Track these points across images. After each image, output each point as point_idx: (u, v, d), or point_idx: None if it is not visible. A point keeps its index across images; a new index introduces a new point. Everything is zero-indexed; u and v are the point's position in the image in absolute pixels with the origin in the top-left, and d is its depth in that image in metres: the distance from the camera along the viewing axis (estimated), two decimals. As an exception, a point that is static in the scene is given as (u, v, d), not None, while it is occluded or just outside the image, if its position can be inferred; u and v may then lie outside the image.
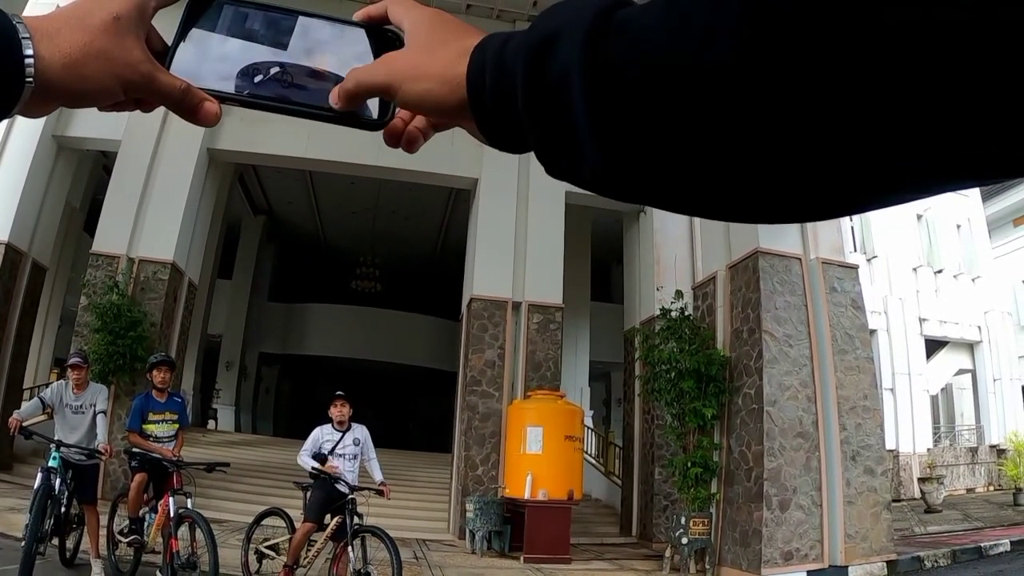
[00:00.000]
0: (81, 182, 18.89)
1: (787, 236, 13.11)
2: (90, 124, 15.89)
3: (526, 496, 13.09)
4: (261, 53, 0.77)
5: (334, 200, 25.47)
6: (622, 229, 18.90)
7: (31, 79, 0.66)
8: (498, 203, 16.37)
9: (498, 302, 15.86)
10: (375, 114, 0.78)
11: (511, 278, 15.87)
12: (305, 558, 8.32)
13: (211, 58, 0.77)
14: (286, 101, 0.75)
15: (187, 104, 0.75)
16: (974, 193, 31.51)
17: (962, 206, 30.76)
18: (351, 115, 0.76)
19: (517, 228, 16.25)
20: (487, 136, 0.69)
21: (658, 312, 14.13)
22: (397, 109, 0.78)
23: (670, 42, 0.53)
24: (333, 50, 0.77)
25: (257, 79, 0.75)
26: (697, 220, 15.74)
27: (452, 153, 16.64)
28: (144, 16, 0.76)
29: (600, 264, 23.98)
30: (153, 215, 15.49)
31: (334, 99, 0.74)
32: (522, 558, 12.80)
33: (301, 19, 0.79)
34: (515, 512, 13.48)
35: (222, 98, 0.75)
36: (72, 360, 8.57)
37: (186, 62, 0.76)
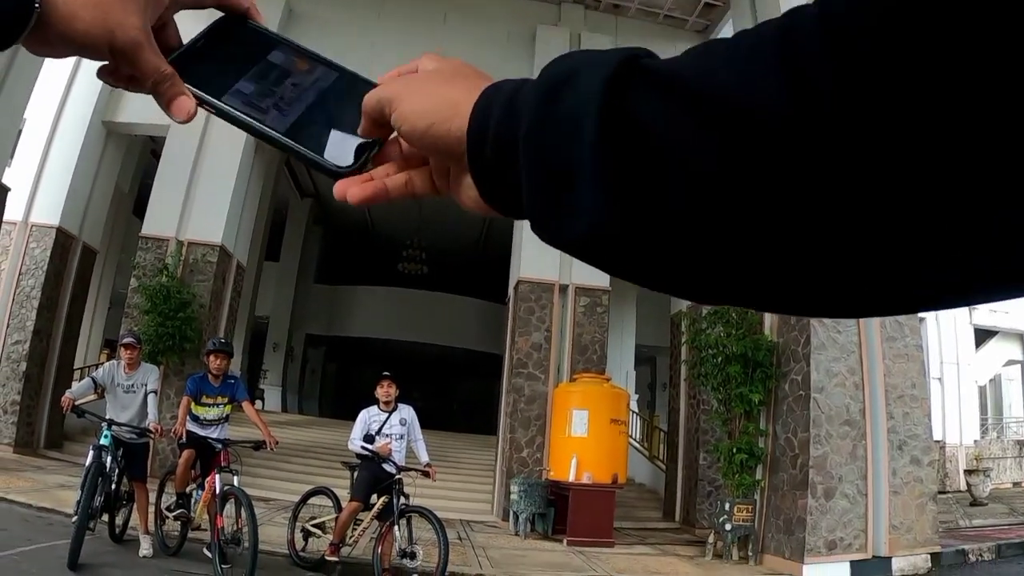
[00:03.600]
0: (130, 167, 19.25)
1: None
2: (138, 110, 16.07)
3: (570, 479, 13.09)
4: (264, 77, 0.76)
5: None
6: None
7: (39, 4, 0.66)
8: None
9: (545, 284, 15.86)
10: (350, 159, 0.73)
11: (558, 261, 15.76)
12: (351, 537, 8.41)
13: (212, 66, 0.77)
14: (264, 125, 0.73)
15: (164, 91, 0.74)
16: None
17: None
18: (318, 159, 0.72)
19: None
20: (477, 182, 0.63)
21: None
22: (370, 163, 0.74)
23: (702, 93, 0.48)
24: (336, 100, 0.76)
25: (249, 100, 0.74)
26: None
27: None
28: None
29: None
30: (201, 199, 15.69)
31: (363, 126, 0.72)
32: (565, 541, 12.81)
33: (318, 64, 0.79)
34: (559, 495, 13.48)
35: (203, 101, 0.74)
36: (125, 340, 8.68)
37: (186, 59, 0.76)
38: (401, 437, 8.51)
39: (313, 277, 30.49)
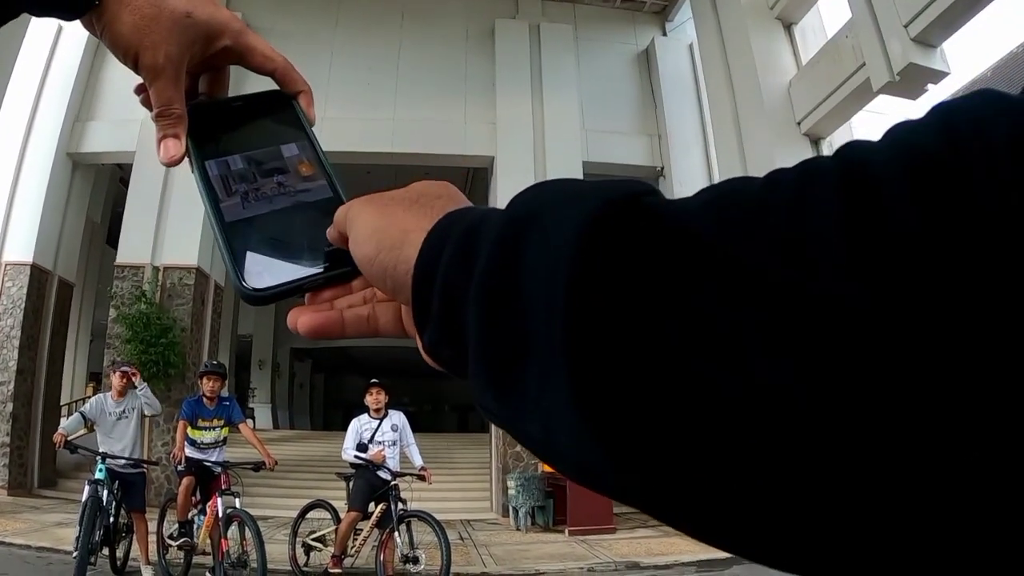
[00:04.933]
0: (100, 196, 19.13)
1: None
2: (103, 139, 16.08)
3: (566, 470, 13.10)
4: (260, 163, 0.71)
5: (353, 190, 25.26)
6: (641, 197, 18.74)
7: None
8: (515, 179, 15.99)
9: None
10: (267, 282, 0.63)
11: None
12: (352, 547, 8.43)
13: (224, 128, 0.74)
14: (215, 206, 0.67)
15: (160, 127, 0.72)
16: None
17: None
18: (233, 268, 0.64)
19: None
20: (418, 330, 0.51)
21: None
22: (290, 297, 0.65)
23: (730, 269, 0.34)
24: (307, 219, 0.68)
25: (227, 176, 0.69)
26: (717, 179, 15.60)
27: (466, 132, 16.67)
28: (210, 34, 0.73)
29: None
30: (173, 222, 15.58)
31: (332, 233, 0.63)
32: (567, 531, 12.88)
33: (320, 176, 0.72)
34: (556, 486, 13.54)
35: (190, 154, 0.71)
36: (121, 368, 8.71)
37: (206, 109, 0.75)
38: (394, 443, 8.54)
39: (294, 291, 30.32)
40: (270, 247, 0.65)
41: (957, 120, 0.31)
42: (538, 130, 16.89)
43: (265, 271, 0.62)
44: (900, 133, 0.33)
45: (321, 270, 0.62)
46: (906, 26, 10.83)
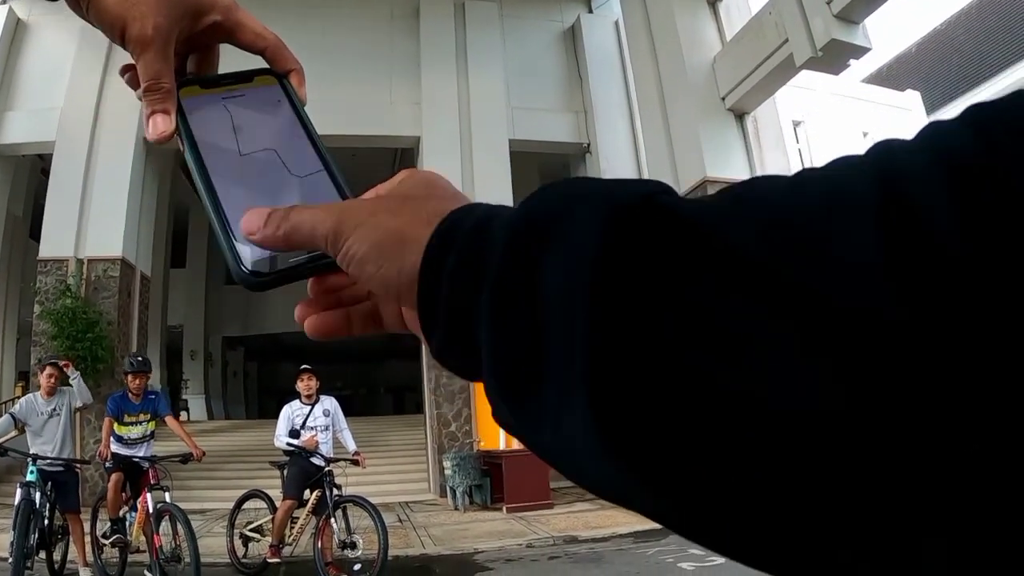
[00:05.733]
0: (21, 189, 18.68)
1: (734, 164, 13.20)
2: (20, 128, 15.70)
3: (501, 447, 13.30)
4: (251, 140, 0.67)
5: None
6: (570, 171, 18.74)
7: None
8: (442, 158, 16.16)
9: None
10: (265, 267, 0.60)
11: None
12: (290, 536, 8.44)
13: (215, 104, 0.69)
14: (209, 182, 0.63)
15: (150, 101, 0.66)
16: (916, 105, 31.96)
17: (907, 120, 31.10)
18: (228, 246, 0.61)
19: (463, 181, 16.06)
20: (428, 343, 0.48)
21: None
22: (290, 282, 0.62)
23: (757, 273, 0.32)
24: (302, 194, 0.64)
25: (220, 152, 0.65)
26: (643, 155, 15.78)
27: (392, 112, 16.62)
28: (199, 8, 0.70)
29: None
30: (97, 213, 15.36)
31: (251, 227, 0.57)
32: (505, 508, 13.01)
33: (312, 152, 0.68)
34: (493, 464, 13.67)
35: (180, 130, 0.66)
36: (47, 362, 8.64)
37: (196, 84, 0.70)
38: (326, 428, 8.55)
39: (223, 278, 29.85)
40: (252, 200, 0.61)
41: (994, 122, 0.30)
42: (464, 109, 16.88)
43: (264, 255, 0.59)
44: (935, 134, 0.32)
45: (320, 253, 0.56)
46: (828, 2, 11.06)
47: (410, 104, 17.01)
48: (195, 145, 0.65)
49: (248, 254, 0.60)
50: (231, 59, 0.78)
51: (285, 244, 0.55)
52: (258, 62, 0.75)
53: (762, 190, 0.35)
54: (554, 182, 0.43)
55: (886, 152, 0.33)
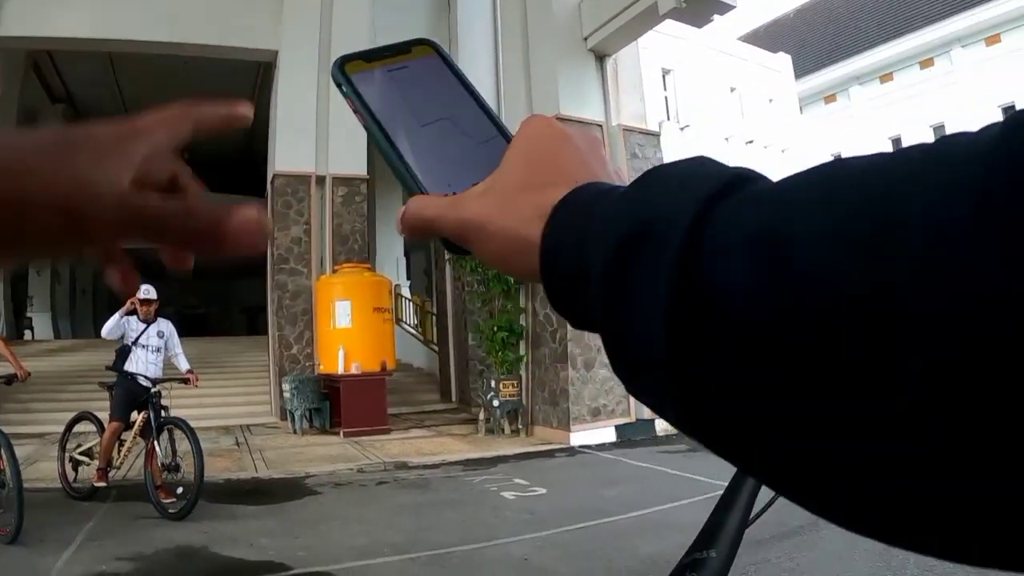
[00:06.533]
0: None
1: (589, 103, 13.20)
2: None
3: (339, 371, 13.16)
4: (425, 104, 0.67)
5: (138, 82, 23.80)
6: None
7: None
8: (299, 75, 15.70)
9: (301, 177, 15.46)
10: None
11: (314, 152, 15.44)
12: (117, 459, 8.26)
13: (381, 74, 0.68)
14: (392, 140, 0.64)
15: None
16: (786, 69, 32.74)
17: (775, 81, 31.88)
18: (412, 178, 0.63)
19: (319, 100, 15.64)
20: (559, 312, 0.52)
21: (465, 178, 13.83)
22: None
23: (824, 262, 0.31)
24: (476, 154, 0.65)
25: (395, 115, 0.66)
26: (503, 83, 15.61)
27: (250, 25, 15.99)
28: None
29: None
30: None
31: (398, 226, 0.62)
32: (342, 433, 12.94)
33: (474, 106, 0.69)
34: (332, 388, 13.55)
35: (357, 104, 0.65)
36: None
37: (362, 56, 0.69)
38: (158, 350, 8.42)
39: (73, 191, 28.63)
40: (444, 173, 0.63)
41: None
42: (325, 25, 16.27)
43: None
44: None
45: None
46: (694, -45, 11.10)
47: (269, 17, 16.36)
48: (376, 118, 0.65)
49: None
50: None
51: (423, 238, 0.61)
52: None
53: (842, 172, 0.34)
54: (656, 171, 0.45)
55: (1005, 148, 0.28)
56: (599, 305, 0.43)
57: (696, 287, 0.36)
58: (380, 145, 0.64)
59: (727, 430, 0.36)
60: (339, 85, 0.65)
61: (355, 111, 0.66)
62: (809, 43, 39.28)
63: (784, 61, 33.89)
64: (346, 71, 0.67)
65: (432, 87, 0.69)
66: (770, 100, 32.09)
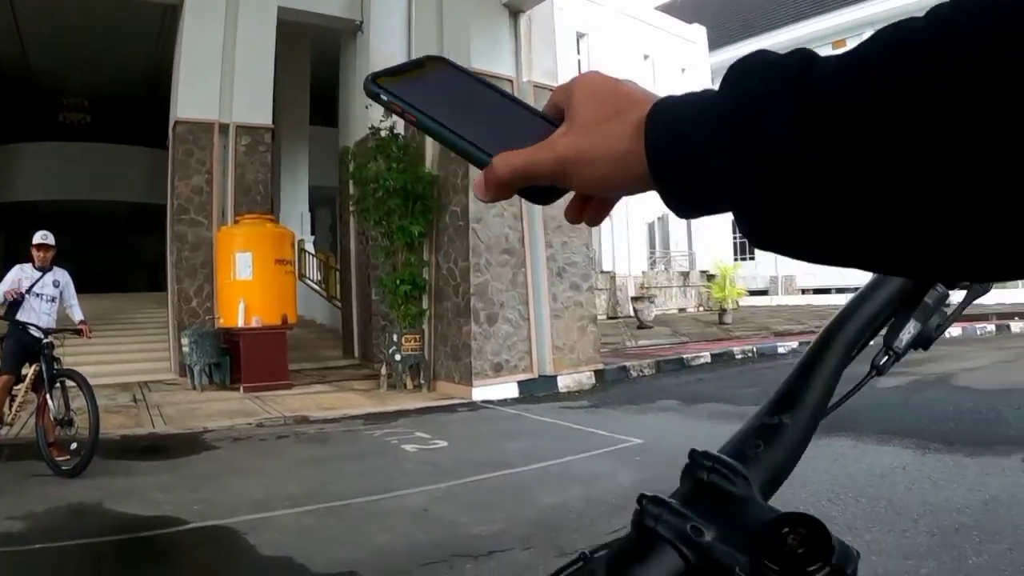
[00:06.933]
0: None
1: (501, 58, 13.07)
2: None
3: (240, 324, 12.95)
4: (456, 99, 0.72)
5: (43, 28, 22.90)
6: (340, 51, 18.08)
7: None
8: (204, 20, 15.20)
9: (204, 124, 15.00)
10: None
11: (218, 99, 15.03)
12: (10, 415, 8.05)
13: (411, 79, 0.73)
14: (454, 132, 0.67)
15: None
16: (701, 40, 33.09)
17: (689, 52, 32.24)
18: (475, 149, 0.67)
19: (225, 45, 15.25)
20: (673, 209, 0.58)
21: (369, 131, 13.74)
22: None
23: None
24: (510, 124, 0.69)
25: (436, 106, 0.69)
26: (414, 35, 15.36)
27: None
28: None
29: (323, 87, 22.62)
30: None
31: (479, 189, 0.65)
32: (242, 388, 12.78)
33: (502, 97, 0.73)
34: (232, 342, 13.34)
35: (399, 100, 0.69)
36: None
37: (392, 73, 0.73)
38: (53, 300, 8.18)
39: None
40: (500, 144, 0.65)
41: None
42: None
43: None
44: None
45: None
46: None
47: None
48: (423, 112, 0.68)
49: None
50: None
51: (509, 193, 0.64)
52: None
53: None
54: (746, 59, 0.53)
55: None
56: (726, 157, 0.49)
57: (819, 91, 0.44)
58: (437, 132, 0.67)
59: (864, 216, 0.43)
60: (378, 95, 0.70)
61: (401, 113, 0.69)
62: (724, 17, 39.92)
63: (699, 32, 34.31)
64: (380, 83, 0.71)
65: (457, 86, 0.73)
66: (683, 70, 32.55)
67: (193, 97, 14.94)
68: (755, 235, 0.51)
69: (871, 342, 0.81)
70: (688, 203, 0.55)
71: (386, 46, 15.53)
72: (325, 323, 20.37)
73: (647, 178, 0.56)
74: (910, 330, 0.78)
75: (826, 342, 0.78)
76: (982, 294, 0.81)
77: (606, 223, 28.16)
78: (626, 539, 0.62)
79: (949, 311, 0.80)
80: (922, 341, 0.79)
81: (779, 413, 0.74)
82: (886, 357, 0.78)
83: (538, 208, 12.64)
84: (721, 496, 0.63)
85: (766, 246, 0.51)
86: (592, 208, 0.69)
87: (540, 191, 0.64)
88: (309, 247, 22.47)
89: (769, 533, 0.55)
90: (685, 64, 32.54)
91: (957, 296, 0.81)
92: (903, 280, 0.80)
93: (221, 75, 15.12)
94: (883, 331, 0.80)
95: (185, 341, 13.28)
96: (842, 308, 0.80)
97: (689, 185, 0.54)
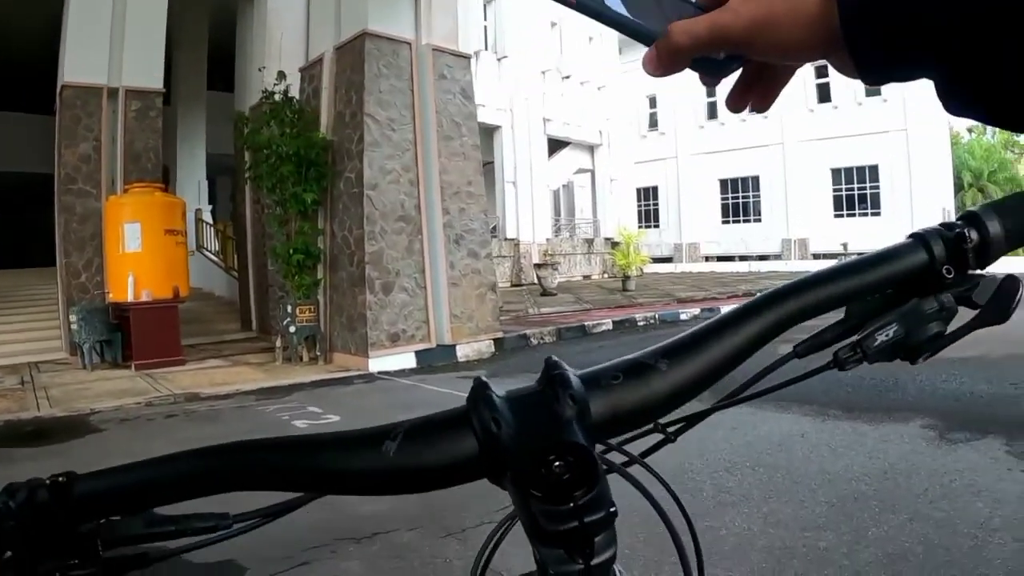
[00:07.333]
0: None
1: (399, 20, 12.80)
2: None
3: (129, 299, 12.56)
4: None
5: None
6: (237, 16, 17.67)
7: None
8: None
9: (92, 88, 14.35)
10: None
11: (107, 62, 14.43)
12: None
13: None
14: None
15: None
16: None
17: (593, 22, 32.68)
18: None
19: (115, 4, 14.62)
20: (861, 72, 0.54)
21: (263, 95, 13.37)
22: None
23: None
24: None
25: None
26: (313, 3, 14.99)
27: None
28: None
29: (222, 53, 22.13)
30: None
31: (651, 63, 0.61)
32: (133, 365, 12.45)
33: None
34: (122, 318, 12.93)
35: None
36: None
37: None
38: None
39: None
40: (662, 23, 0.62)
41: None
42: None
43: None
44: None
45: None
46: None
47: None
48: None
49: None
50: None
51: (683, 66, 0.61)
52: None
53: None
54: None
55: None
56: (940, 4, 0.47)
57: None
58: (604, 13, 0.63)
59: None
60: None
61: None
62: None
63: (612, 1, 34.71)
64: None
65: None
66: (590, 39, 32.62)
67: (81, 59, 14.29)
68: (969, 103, 0.49)
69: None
70: (883, 64, 0.53)
71: (283, 10, 15.15)
72: (224, 295, 19.99)
73: (837, 36, 0.53)
74: (888, 332, 0.69)
75: (756, 308, 0.69)
76: (994, 323, 0.69)
77: (510, 190, 28.15)
78: (445, 412, 0.63)
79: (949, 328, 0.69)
80: (907, 352, 0.69)
81: (663, 358, 0.66)
82: (851, 353, 0.69)
83: (435, 174, 12.49)
84: (541, 408, 0.62)
85: (993, 118, 0.50)
86: (758, 91, 0.65)
87: (714, 64, 0.62)
88: (207, 216, 22.00)
89: (535, 460, 0.54)
90: (593, 33, 32.68)
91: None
92: (882, 272, 0.70)
93: (111, 36, 14.48)
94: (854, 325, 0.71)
95: (74, 318, 12.83)
96: (797, 280, 0.71)
97: (887, 41, 0.51)
